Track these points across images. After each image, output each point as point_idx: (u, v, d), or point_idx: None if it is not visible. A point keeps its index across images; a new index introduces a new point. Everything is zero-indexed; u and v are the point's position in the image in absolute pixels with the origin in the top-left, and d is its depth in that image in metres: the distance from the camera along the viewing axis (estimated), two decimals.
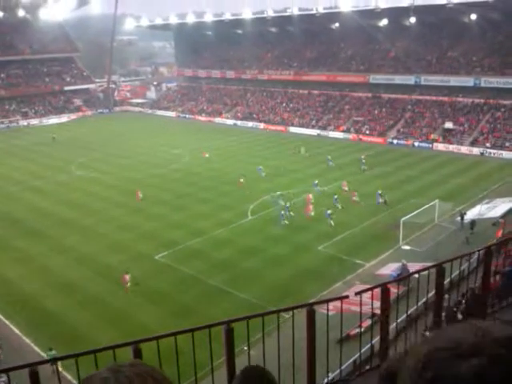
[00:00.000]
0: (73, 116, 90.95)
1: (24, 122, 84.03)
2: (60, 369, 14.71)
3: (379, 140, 64.01)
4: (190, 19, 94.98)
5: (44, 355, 19.05)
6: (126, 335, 18.31)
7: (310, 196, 38.21)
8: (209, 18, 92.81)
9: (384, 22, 76.63)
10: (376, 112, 71.57)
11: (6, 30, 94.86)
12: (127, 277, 26.04)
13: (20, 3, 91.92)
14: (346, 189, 40.73)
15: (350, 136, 67.06)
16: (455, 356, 0.80)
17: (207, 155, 55.04)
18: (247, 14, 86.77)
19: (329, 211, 34.17)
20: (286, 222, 34.52)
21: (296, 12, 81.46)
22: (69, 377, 16.29)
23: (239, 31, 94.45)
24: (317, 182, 42.18)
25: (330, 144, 62.03)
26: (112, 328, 21.66)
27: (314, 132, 70.55)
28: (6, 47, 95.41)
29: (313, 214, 35.35)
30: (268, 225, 34.59)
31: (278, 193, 40.20)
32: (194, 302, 24.39)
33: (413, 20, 71.94)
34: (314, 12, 79.79)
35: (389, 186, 42.41)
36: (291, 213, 35.18)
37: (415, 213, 32.31)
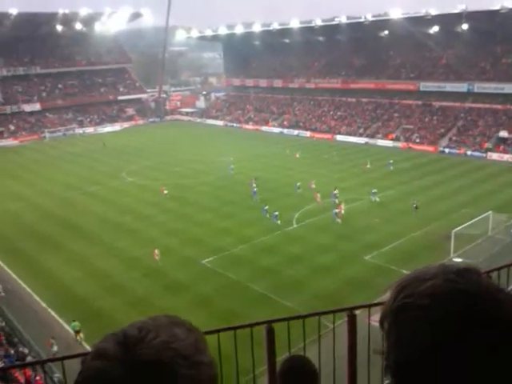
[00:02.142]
0: (125, 125, 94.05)
1: (79, 130, 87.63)
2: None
3: (430, 148, 62.41)
4: (239, 30, 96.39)
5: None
6: None
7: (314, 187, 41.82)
8: (257, 28, 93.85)
9: (435, 28, 74.94)
10: (427, 120, 69.88)
11: (64, 43, 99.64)
12: (157, 251, 30.61)
13: (78, 17, 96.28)
14: (314, 186, 43.31)
15: (400, 144, 65.76)
16: (420, 280, 1.05)
17: (232, 158, 56.71)
18: (295, 24, 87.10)
19: (336, 210, 36.68)
20: (339, 220, 35.89)
21: (344, 20, 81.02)
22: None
23: (287, 40, 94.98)
24: (299, 183, 44.56)
25: (377, 153, 61.05)
26: None
27: (361, 140, 69.68)
28: (64, 59, 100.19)
29: (343, 212, 37.25)
30: (313, 233, 34.42)
31: (336, 191, 41.18)
32: (238, 307, 24.59)
33: (465, 26, 69.95)
34: (362, 20, 79.06)
35: (440, 195, 41.34)
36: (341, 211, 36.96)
37: (467, 224, 31.27)
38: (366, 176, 48.99)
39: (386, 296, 1.11)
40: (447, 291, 1.00)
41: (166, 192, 44.94)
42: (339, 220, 36.16)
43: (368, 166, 52.54)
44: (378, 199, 40.59)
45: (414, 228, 34.09)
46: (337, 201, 39.79)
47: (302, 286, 26.67)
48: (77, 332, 22.88)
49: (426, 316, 0.98)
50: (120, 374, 0.92)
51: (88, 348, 22.41)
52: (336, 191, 41.08)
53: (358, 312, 5.80)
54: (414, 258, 29.24)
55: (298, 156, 59.59)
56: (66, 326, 23.93)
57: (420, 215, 36.35)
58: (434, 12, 68.65)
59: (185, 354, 0.97)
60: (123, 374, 0.92)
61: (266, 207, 38.09)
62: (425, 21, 71.03)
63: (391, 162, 53.10)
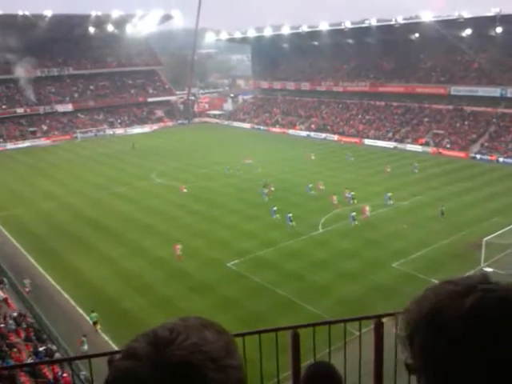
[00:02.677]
0: (155, 126, 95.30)
1: (110, 131, 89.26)
2: (99, 327, 23.95)
3: (461, 154, 61.19)
4: (268, 32, 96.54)
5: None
6: None
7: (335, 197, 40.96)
8: (286, 30, 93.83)
9: (467, 32, 73.51)
10: (458, 125, 68.54)
11: (96, 45, 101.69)
12: (178, 246, 31.19)
13: (110, 19, 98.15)
14: (322, 188, 44.75)
15: (430, 149, 64.69)
16: (459, 295, 1.01)
17: (250, 161, 57.80)
18: (324, 26, 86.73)
19: (353, 213, 36.75)
20: (356, 222, 36.25)
21: (374, 23, 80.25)
22: (106, 338, 23.44)
23: (315, 43, 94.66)
24: (311, 185, 44.99)
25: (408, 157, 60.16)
26: None
27: (390, 145, 68.84)
28: (95, 61, 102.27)
29: (368, 214, 37.83)
30: (339, 239, 34.13)
31: (352, 193, 41.72)
32: (262, 311, 24.57)
33: (499, 30, 68.37)
34: (393, 23, 78.15)
35: (470, 202, 40.48)
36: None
37: (499, 232, 30.50)
38: (394, 181, 48.31)
39: (413, 308, 1.08)
40: (490, 302, 0.97)
41: (185, 190, 46.55)
42: (356, 222, 36.32)
43: (388, 170, 52.01)
44: (391, 202, 40.60)
45: (443, 235, 33.44)
46: (355, 201, 40.40)
47: (328, 292, 26.48)
48: (95, 323, 24.08)
49: (461, 329, 0.96)
50: (150, 375, 0.92)
51: (106, 338, 22.95)
52: (352, 193, 41.59)
53: (384, 320, 5.72)
54: (443, 267, 28.70)
55: (313, 157, 60.48)
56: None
57: (450, 222, 35.63)
58: (466, 15, 67.38)
59: (214, 356, 0.97)
60: (153, 375, 0.92)
61: (275, 208, 38.44)
62: (457, 24, 69.75)
63: (416, 165, 52.95)
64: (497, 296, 0.98)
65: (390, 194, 41.37)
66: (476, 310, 0.97)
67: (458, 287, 1.04)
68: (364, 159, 59.86)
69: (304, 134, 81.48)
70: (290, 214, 36.68)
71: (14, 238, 37.25)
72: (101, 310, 25.19)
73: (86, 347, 21.27)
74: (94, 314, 24.33)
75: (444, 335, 0.99)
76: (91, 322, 24.34)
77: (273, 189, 45.32)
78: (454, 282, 1.07)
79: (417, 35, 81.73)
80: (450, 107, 72.30)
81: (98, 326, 23.97)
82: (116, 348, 21.30)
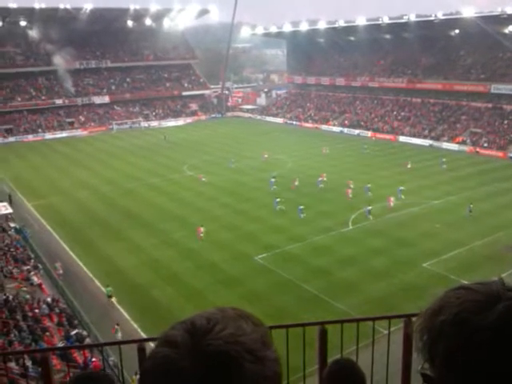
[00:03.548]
0: (188, 119, 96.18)
1: (145, 124, 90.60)
2: (115, 300, 25.50)
3: (499, 154, 59.39)
4: (304, 27, 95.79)
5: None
6: None
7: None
8: (322, 25, 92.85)
9: (510, 28, 71.05)
10: (497, 124, 66.47)
11: (133, 38, 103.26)
12: (201, 229, 33.28)
13: (148, 13, 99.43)
14: (324, 179, 45.69)
15: (466, 148, 63.01)
16: (485, 303, 0.99)
17: (266, 155, 58.61)
18: (361, 21, 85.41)
19: (369, 207, 36.90)
20: (371, 217, 36.42)
21: (413, 18, 78.46)
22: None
23: (352, 38, 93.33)
24: (321, 179, 46.00)
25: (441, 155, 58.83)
26: None
27: (425, 142, 67.43)
28: (132, 54, 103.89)
29: (392, 204, 38.56)
30: (369, 236, 33.71)
31: (369, 185, 42.34)
32: (288, 305, 24.56)
33: None
34: (432, 18, 76.21)
35: (507, 203, 39.32)
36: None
37: None
38: (428, 179, 47.36)
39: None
40: None
41: (203, 179, 48.12)
42: (371, 217, 36.34)
43: (409, 166, 51.47)
44: (403, 197, 40.36)
45: (477, 236, 32.59)
46: (370, 194, 40.83)
47: (355, 289, 26.23)
48: (109, 296, 25.47)
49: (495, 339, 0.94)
50: (187, 363, 0.92)
51: (135, 326, 23.39)
52: (369, 185, 42.02)
53: (414, 320, 5.61)
54: (477, 268, 28.02)
55: (325, 152, 60.87)
56: (124, 312, 24.90)
57: (484, 223, 34.70)
58: (510, 11, 65.05)
59: (251, 348, 0.96)
60: (190, 363, 0.92)
61: (278, 200, 39.13)
62: (499, 20, 67.50)
63: (444, 160, 52.94)
64: None
65: (402, 188, 41.30)
66: (505, 318, 0.95)
67: (480, 295, 1.01)
68: (398, 156, 58.82)
69: (337, 129, 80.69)
70: (302, 207, 37.36)
71: (50, 226, 38.41)
72: (130, 298, 25.80)
73: (119, 335, 21.75)
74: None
75: (471, 344, 0.96)
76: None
77: (297, 183, 45.23)
78: (473, 289, 1.04)
79: (457, 31, 79.50)
80: (489, 105, 70.18)
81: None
82: (144, 336, 21.73)
